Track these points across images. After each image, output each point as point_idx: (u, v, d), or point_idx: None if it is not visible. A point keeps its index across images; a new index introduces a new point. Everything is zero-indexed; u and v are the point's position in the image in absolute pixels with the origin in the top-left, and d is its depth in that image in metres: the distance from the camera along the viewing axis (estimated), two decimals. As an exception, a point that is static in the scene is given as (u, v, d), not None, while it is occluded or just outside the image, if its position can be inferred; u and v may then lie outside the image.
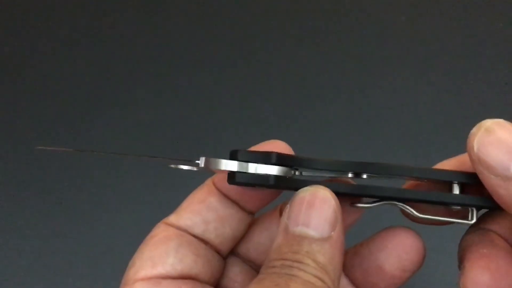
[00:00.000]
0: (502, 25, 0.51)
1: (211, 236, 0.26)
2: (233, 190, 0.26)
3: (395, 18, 0.52)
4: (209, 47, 0.52)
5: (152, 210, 0.43)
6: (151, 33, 0.53)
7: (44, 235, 0.43)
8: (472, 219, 0.24)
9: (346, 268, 0.27)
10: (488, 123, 0.22)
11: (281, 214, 0.28)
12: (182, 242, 0.25)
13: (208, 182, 0.27)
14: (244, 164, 0.24)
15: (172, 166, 0.25)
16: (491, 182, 0.21)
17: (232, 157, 0.24)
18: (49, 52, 0.53)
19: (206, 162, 0.24)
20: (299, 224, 0.22)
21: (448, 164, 0.25)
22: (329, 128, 0.47)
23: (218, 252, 0.27)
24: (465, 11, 0.52)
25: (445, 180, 0.24)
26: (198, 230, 0.26)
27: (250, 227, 0.28)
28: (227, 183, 0.24)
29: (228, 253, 0.28)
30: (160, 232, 0.26)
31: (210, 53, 0.52)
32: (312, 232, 0.22)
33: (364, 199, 0.25)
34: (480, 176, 0.22)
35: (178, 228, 0.26)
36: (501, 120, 0.22)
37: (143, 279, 0.25)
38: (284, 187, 0.24)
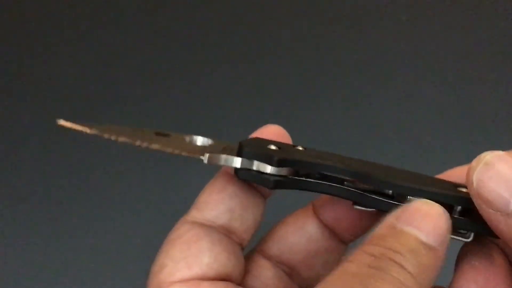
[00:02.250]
0: (503, 24, 0.51)
1: (236, 224, 0.26)
2: None
3: (395, 18, 0.52)
4: (209, 47, 0.53)
5: (155, 211, 0.43)
6: (154, 29, 0.55)
7: (44, 236, 0.43)
8: (469, 237, 0.23)
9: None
10: (488, 156, 0.21)
11: (314, 211, 0.28)
12: (213, 240, 0.25)
13: (222, 171, 0.26)
14: (247, 160, 0.24)
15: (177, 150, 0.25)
16: (490, 217, 0.21)
17: (239, 150, 0.25)
18: (53, 50, 0.54)
19: (210, 159, 0.24)
20: (409, 225, 0.21)
21: (458, 172, 0.25)
22: (328, 127, 0.47)
23: (241, 243, 0.26)
24: (466, 10, 0.52)
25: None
26: (224, 220, 0.26)
27: (281, 227, 0.28)
28: None
29: (246, 244, 0.27)
30: (187, 231, 0.25)
31: (210, 52, 0.52)
32: (422, 236, 0.21)
33: None
34: (480, 211, 0.21)
35: (203, 221, 0.26)
36: (501, 153, 0.21)
37: (180, 281, 0.24)
38: (286, 187, 0.25)
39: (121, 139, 0.25)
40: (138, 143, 0.25)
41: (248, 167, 0.24)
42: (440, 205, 0.22)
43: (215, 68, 0.52)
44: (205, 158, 0.25)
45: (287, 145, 0.26)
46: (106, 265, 0.41)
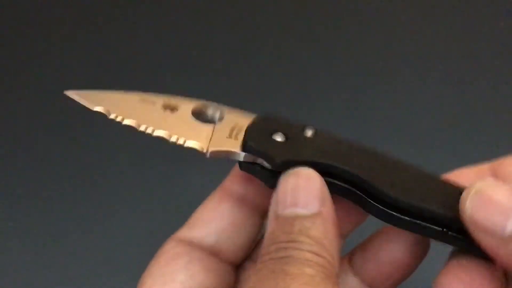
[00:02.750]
0: (503, 24, 0.51)
1: (223, 246, 0.26)
2: (246, 190, 0.26)
3: (395, 18, 0.53)
4: (210, 47, 0.53)
5: (154, 211, 0.43)
6: (156, 23, 0.54)
7: (43, 236, 0.43)
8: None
9: (357, 265, 0.26)
10: (478, 184, 0.22)
11: None
12: (192, 258, 0.25)
13: (219, 189, 0.26)
14: (250, 155, 0.24)
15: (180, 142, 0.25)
16: (489, 244, 0.21)
17: (244, 141, 0.24)
18: (53, 46, 0.53)
19: (212, 154, 0.24)
20: (287, 207, 0.22)
21: (466, 173, 0.25)
22: (328, 127, 0.47)
23: (230, 262, 0.26)
24: (466, 10, 0.52)
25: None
26: (210, 241, 0.26)
27: None
28: (240, 185, 0.25)
29: (241, 262, 0.27)
30: (170, 248, 0.25)
31: (210, 54, 0.52)
32: (301, 210, 0.22)
33: None
34: (477, 239, 0.21)
35: (190, 240, 0.26)
36: (490, 180, 0.22)
37: None
38: None
39: (126, 122, 0.25)
40: (142, 128, 0.25)
41: (251, 161, 0.24)
42: (305, 167, 0.23)
43: (217, 63, 0.52)
44: (207, 153, 0.24)
45: (295, 130, 0.25)
46: (106, 265, 0.41)
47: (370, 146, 0.24)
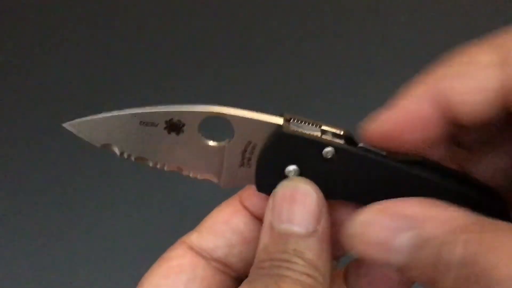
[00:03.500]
0: (503, 24, 0.56)
1: (233, 259, 0.25)
2: (263, 207, 0.24)
3: (395, 18, 0.54)
4: (208, 48, 0.53)
5: (153, 212, 0.43)
6: (156, 26, 0.56)
7: (44, 236, 0.43)
8: None
9: (351, 281, 0.25)
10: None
11: None
12: (195, 276, 0.24)
13: (234, 199, 0.25)
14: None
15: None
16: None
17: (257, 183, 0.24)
18: (55, 52, 0.54)
19: (225, 183, 0.24)
20: (283, 222, 0.22)
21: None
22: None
23: (238, 276, 0.25)
24: (465, 10, 0.54)
25: None
26: (220, 254, 0.25)
27: None
28: (255, 200, 0.24)
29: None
30: (177, 256, 0.24)
31: (209, 54, 0.53)
32: (297, 228, 0.21)
33: None
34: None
35: (200, 250, 0.25)
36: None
37: None
38: None
39: (134, 156, 0.24)
40: (151, 164, 0.24)
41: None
42: (304, 179, 0.22)
43: (216, 63, 0.52)
44: (221, 183, 0.24)
45: (312, 156, 0.23)
46: (106, 266, 0.41)
47: (391, 165, 0.23)
